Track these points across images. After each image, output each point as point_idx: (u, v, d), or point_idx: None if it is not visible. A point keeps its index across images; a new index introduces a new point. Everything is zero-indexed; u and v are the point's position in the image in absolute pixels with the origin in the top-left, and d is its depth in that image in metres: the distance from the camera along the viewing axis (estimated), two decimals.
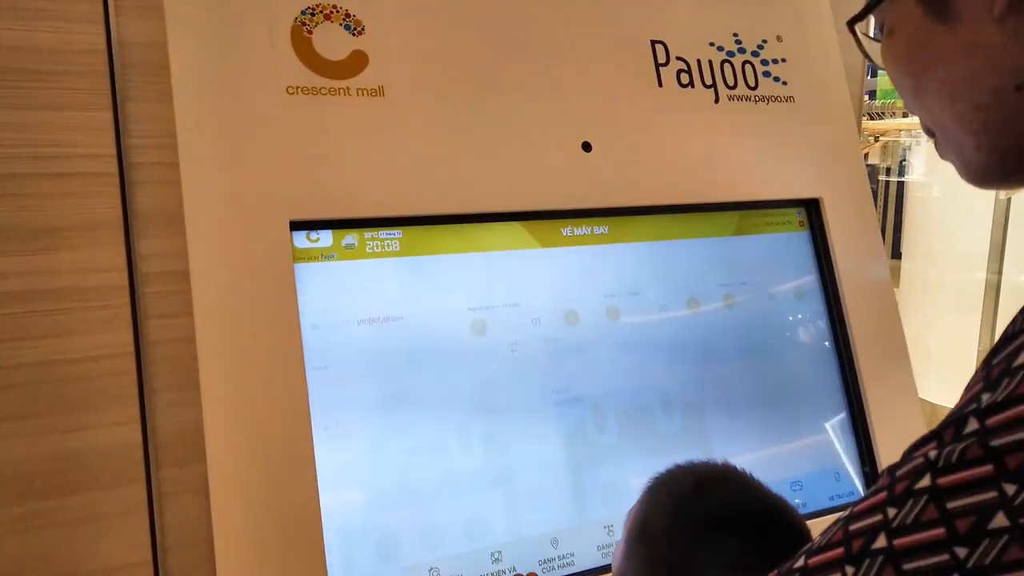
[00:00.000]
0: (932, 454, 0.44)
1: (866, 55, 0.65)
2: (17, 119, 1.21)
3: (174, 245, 1.28)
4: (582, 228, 1.19)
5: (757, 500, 0.77)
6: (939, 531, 0.43)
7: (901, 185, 6.05)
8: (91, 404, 1.32)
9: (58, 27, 1.23)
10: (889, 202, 6.43)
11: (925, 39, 0.55)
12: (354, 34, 1.08)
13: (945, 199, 4.10)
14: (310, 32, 1.06)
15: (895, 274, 6.14)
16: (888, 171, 6.42)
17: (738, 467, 0.81)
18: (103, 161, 1.29)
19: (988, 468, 0.42)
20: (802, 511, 1.22)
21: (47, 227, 1.25)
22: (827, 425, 1.27)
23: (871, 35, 0.64)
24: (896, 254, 6.18)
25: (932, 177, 5.33)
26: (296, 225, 1.02)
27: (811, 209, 1.34)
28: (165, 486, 1.38)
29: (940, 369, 3.33)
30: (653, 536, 0.75)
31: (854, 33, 0.65)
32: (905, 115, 4.30)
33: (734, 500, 0.76)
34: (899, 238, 6.16)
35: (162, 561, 1.37)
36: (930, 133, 0.61)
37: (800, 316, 1.30)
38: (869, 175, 6.40)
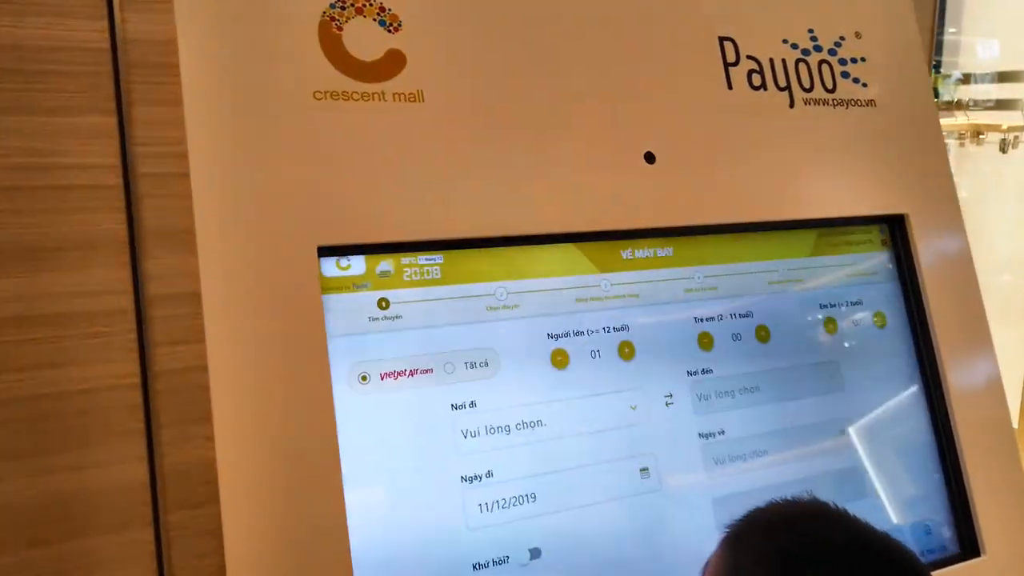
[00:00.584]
0: None
1: None
2: (7, 125, 1.09)
3: (184, 264, 1.16)
4: (644, 250, 1.05)
5: (864, 536, 0.65)
6: None
7: None
8: (92, 441, 1.20)
9: (55, 22, 1.11)
10: None
11: None
12: (390, 31, 0.94)
13: (972, 200, 3.95)
14: (340, 28, 0.92)
15: None
16: None
17: (829, 502, 0.69)
18: (105, 172, 1.17)
19: None
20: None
21: (42, 245, 1.13)
22: (918, 475, 1.13)
23: None
24: None
25: (960, 179, 5.18)
26: (324, 250, 0.88)
27: (895, 227, 1.20)
28: (174, 530, 1.26)
29: None
30: None
31: None
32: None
33: (838, 537, 0.65)
34: None
35: None
36: None
37: (883, 350, 1.16)
38: None
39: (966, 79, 3.78)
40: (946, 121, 3.63)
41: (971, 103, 3.57)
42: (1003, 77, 3.68)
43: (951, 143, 3.83)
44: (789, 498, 0.72)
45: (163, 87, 1.18)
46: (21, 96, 1.10)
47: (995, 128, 3.18)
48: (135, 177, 1.19)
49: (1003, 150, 3.18)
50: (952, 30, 3.81)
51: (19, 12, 1.09)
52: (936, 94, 4.17)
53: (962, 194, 4.06)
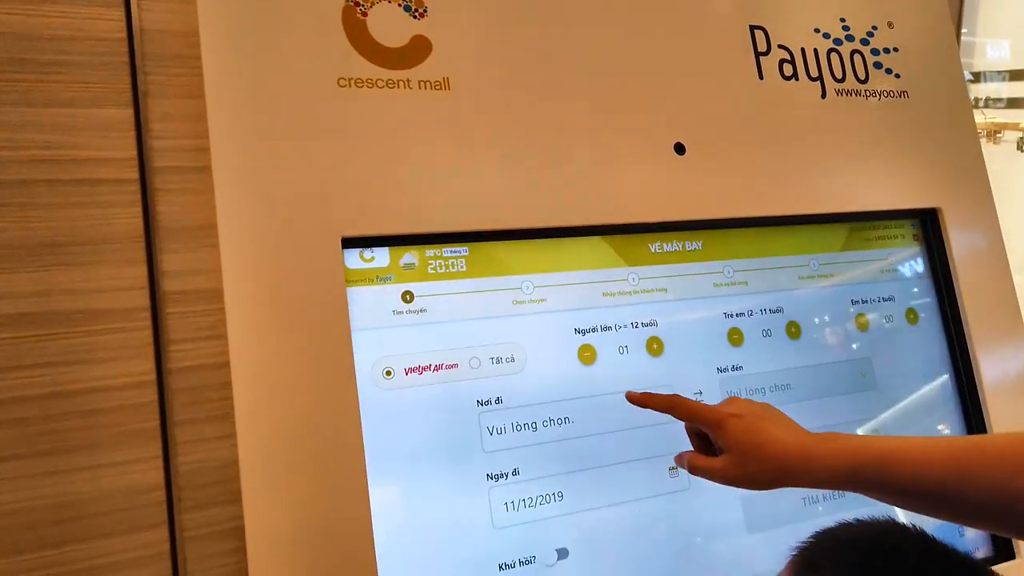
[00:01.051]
0: None
1: None
2: (22, 117, 1.07)
3: (202, 261, 1.14)
4: (673, 243, 1.02)
5: (949, 559, 0.62)
6: None
7: None
8: (106, 439, 1.17)
9: (71, 11, 1.08)
10: None
11: None
12: (415, 16, 0.92)
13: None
14: (364, 14, 0.90)
15: None
16: None
17: (908, 523, 0.66)
18: (122, 165, 1.15)
19: None
20: None
21: (56, 240, 1.11)
22: None
23: None
24: None
25: None
26: (348, 242, 0.86)
27: (927, 221, 1.17)
28: (189, 531, 1.23)
29: None
30: None
31: None
32: None
33: (925, 563, 0.61)
34: None
35: None
36: None
37: (915, 347, 1.13)
38: None
39: (976, 78, 3.76)
40: None
41: (986, 102, 3.53)
42: (1015, 76, 3.66)
43: None
44: (863, 519, 0.69)
45: (181, 79, 1.15)
46: (36, 88, 1.08)
47: (1013, 127, 3.14)
48: (151, 171, 1.17)
49: (1020, 148, 3.14)
50: (964, 30, 3.78)
51: (35, 1, 1.07)
52: None
53: None
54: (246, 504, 0.79)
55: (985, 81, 3.75)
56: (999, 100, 3.70)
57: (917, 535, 0.65)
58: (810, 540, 0.67)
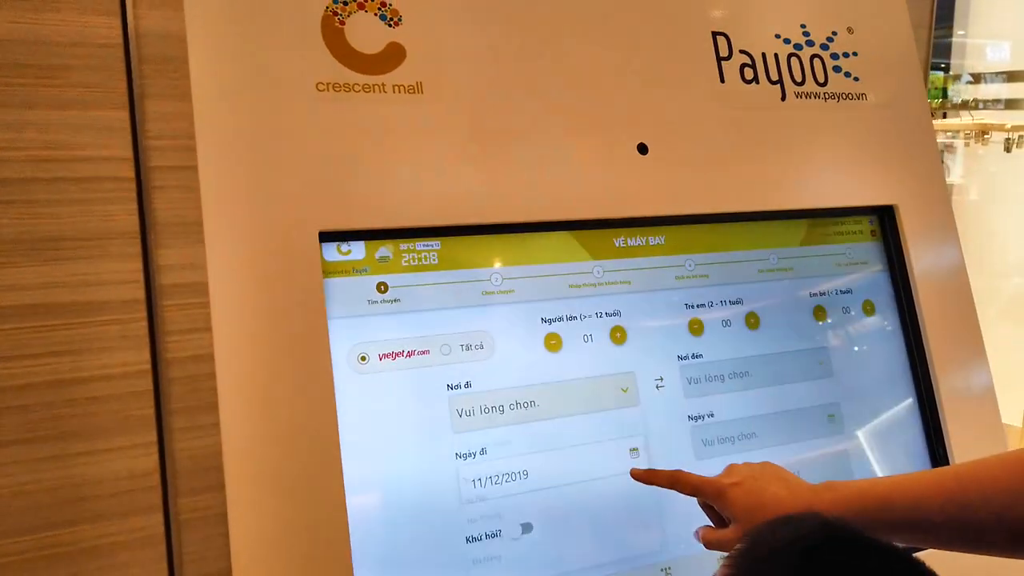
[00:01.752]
0: None
1: None
2: (25, 118, 1.13)
3: (194, 255, 1.19)
4: (636, 238, 1.08)
5: (878, 551, 0.64)
6: None
7: None
8: (105, 427, 1.23)
9: (71, 19, 1.15)
10: None
11: None
12: (391, 25, 0.98)
13: (982, 202, 3.95)
14: (342, 23, 0.96)
15: None
16: None
17: (835, 520, 0.70)
18: (119, 164, 1.21)
19: None
20: None
21: (57, 236, 1.17)
22: (905, 459, 1.16)
23: None
24: None
25: (969, 180, 5.17)
26: (326, 236, 0.92)
27: (884, 217, 1.22)
28: (184, 515, 1.30)
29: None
30: None
31: None
32: (944, 115, 4.15)
33: (864, 560, 0.63)
34: None
35: None
36: None
37: (873, 336, 1.19)
38: None
39: (976, 79, 3.79)
40: (952, 121, 3.64)
41: (976, 103, 3.58)
42: (1012, 77, 3.70)
43: (958, 143, 3.84)
44: (790, 519, 0.70)
45: (174, 82, 1.21)
46: (38, 91, 1.14)
47: (999, 128, 3.19)
48: (147, 170, 1.23)
49: (1007, 149, 3.19)
50: (960, 32, 3.83)
51: (38, 8, 1.13)
52: (944, 94, 4.18)
53: (972, 196, 4.07)
54: (229, 486, 0.85)
55: (987, 83, 3.79)
56: (998, 101, 3.75)
57: (846, 531, 0.66)
58: (741, 549, 0.68)
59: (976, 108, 3.60)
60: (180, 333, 1.23)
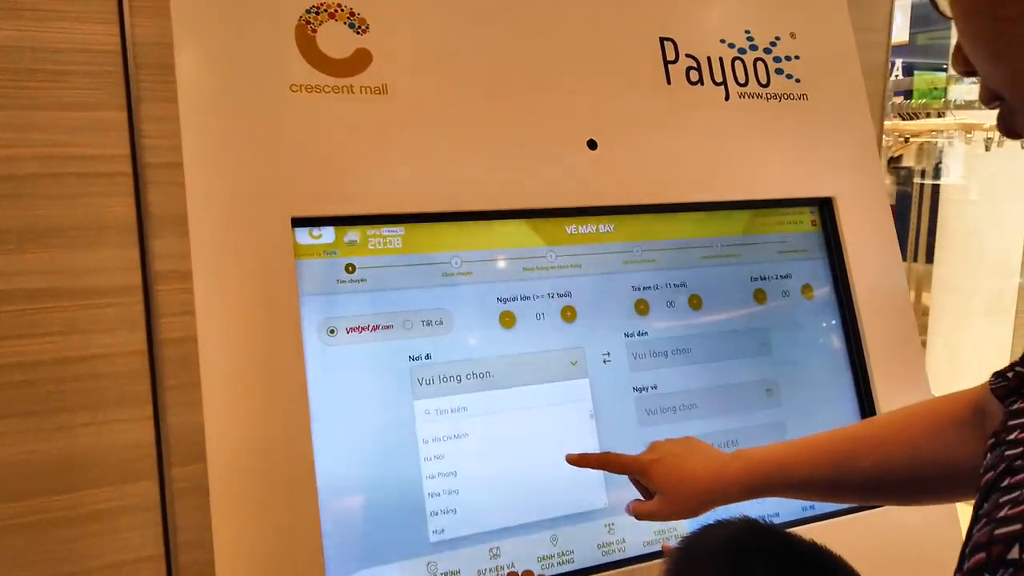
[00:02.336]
0: None
1: (935, 5, 0.58)
2: (31, 120, 1.23)
3: (185, 245, 1.29)
4: (587, 226, 1.18)
5: (802, 551, 0.74)
6: None
7: (936, 188, 5.97)
8: (105, 402, 1.34)
9: (73, 27, 1.25)
10: (923, 206, 6.35)
11: None
12: (358, 32, 1.09)
13: (982, 202, 4.03)
14: (314, 31, 1.07)
15: (927, 279, 6.05)
16: (923, 174, 6.34)
17: (757, 518, 0.80)
18: (117, 161, 1.31)
19: None
20: (811, 512, 1.20)
21: (61, 226, 1.27)
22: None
23: None
24: (930, 259, 6.09)
25: (970, 180, 5.24)
26: (298, 221, 1.03)
27: (823, 208, 1.32)
28: (178, 483, 1.40)
29: (976, 371, 3.27)
30: None
31: None
32: (941, 115, 4.23)
33: (781, 562, 0.73)
34: (933, 242, 6.07)
35: (174, 556, 1.38)
36: (995, 97, 0.53)
37: (811, 317, 1.28)
38: (905, 178, 6.30)
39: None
40: (935, 121, 3.73)
41: (958, 103, 3.66)
42: None
43: (957, 143, 3.92)
44: (723, 521, 0.80)
45: (167, 86, 1.31)
46: (43, 94, 1.24)
47: (980, 127, 3.27)
48: (143, 166, 1.33)
49: (987, 148, 3.28)
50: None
51: (42, 18, 1.24)
52: (946, 94, 4.26)
53: (972, 196, 4.13)
54: (210, 460, 0.95)
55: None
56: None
57: (772, 536, 0.76)
58: (679, 547, 0.78)
59: (956, 108, 3.69)
60: (173, 315, 1.34)
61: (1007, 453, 0.52)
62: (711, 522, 0.81)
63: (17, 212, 1.25)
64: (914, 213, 6.41)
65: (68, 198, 1.29)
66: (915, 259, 6.38)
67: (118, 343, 1.34)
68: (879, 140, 1.84)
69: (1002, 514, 0.47)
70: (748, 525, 0.79)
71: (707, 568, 0.74)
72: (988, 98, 0.53)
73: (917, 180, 6.32)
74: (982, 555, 0.46)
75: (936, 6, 0.56)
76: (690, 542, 0.79)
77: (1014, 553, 0.43)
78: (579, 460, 1.01)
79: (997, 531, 0.46)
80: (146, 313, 1.35)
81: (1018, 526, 0.45)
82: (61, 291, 1.29)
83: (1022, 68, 0.48)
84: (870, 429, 0.91)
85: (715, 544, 0.76)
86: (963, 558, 0.49)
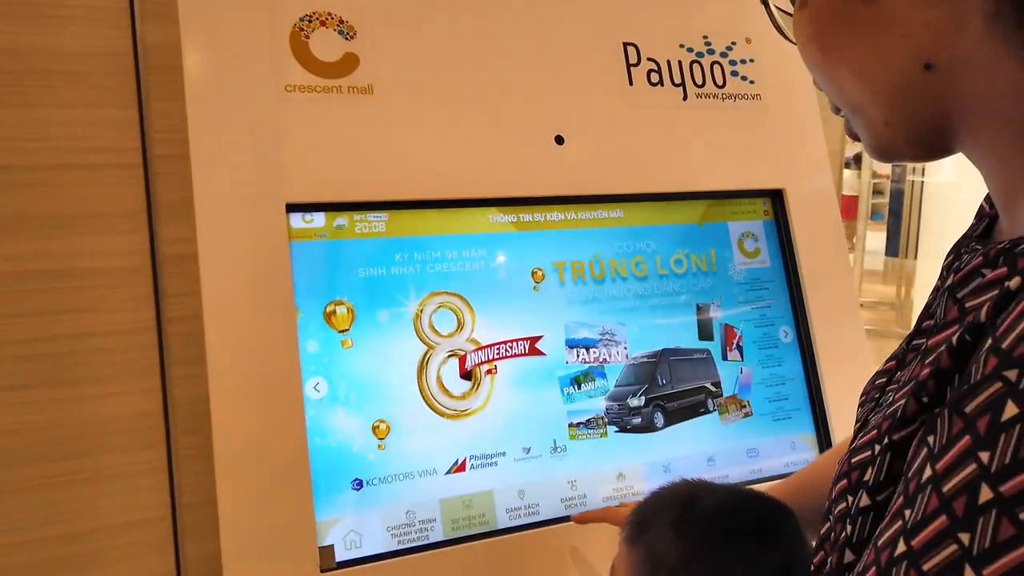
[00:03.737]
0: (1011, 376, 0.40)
1: (778, 28, 0.64)
2: (52, 116, 1.35)
3: (190, 230, 1.42)
4: (555, 214, 1.30)
5: (746, 496, 0.86)
6: None
7: (920, 186, 6.08)
8: (116, 374, 1.46)
9: (88, 32, 1.37)
10: (913, 202, 6.46)
11: (838, 11, 0.53)
12: (347, 38, 1.21)
13: (976, 200, 4.12)
14: (307, 37, 1.19)
15: (911, 274, 6.15)
16: (915, 171, 6.45)
17: (695, 479, 0.91)
18: (129, 154, 1.43)
19: None
20: (759, 476, 1.32)
21: (77, 213, 1.40)
22: (787, 402, 1.38)
23: (781, 9, 0.64)
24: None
25: (963, 178, 5.34)
26: (292, 208, 1.15)
27: (775, 199, 1.44)
28: (183, 451, 1.52)
29: None
30: (669, 568, 0.78)
31: (766, 4, 0.65)
32: None
33: (729, 502, 0.84)
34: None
35: (179, 516, 1.51)
36: (836, 110, 0.61)
37: (761, 301, 1.40)
38: (900, 176, 6.37)
39: None
40: None
41: None
42: None
43: None
44: (680, 480, 0.90)
45: (175, 86, 1.43)
46: (62, 92, 1.36)
47: None
48: (152, 159, 1.45)
49: None
50: None
51: (60, 23, 1.36)
52: None
53: (967, 195, 4.23)
54: (215, 428, 1.07)
55: None
56: None
57: (719, 488, 0.87)
58: (641, 503, 0.88)
59: None
60: (178, 296, 1.45)
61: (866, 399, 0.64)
62: (675, 480, 0.92)
63: (37, 200, 1.37)
64: (906, 210, 6.53)
65: (83, 187, 1.41)
66: (906, 255, 6.49)
67: (128, 321, 1.46)
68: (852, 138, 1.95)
69: (856, 444, 0.57)
70: (700, 481, 0.90)
71: (663, 511, 0.84)
72: (834, 110, 0.61)
73: (910, 177, 6.44)
74: (844, 482, 0.56)
75: (782, 33, 0.64)
76: (652, 494, 0.89)
77: (867, 476, 0.53)
78: (583, 518, 1.15)
79: (854, 459, 0.56)
80: (154, 293, 1.47)
81: (868, 453, 0.54)
82: (76, 272, 1.41)
83: (849, 89, 0.56)
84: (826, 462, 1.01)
85: (672, 492, 0.88)
86: (831, 488, 0.59)
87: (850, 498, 0.54)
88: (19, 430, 1.40)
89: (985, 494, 0.38)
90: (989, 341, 0.42)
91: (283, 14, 1.18)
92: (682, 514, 0.81)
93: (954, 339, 0.47)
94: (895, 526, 0.43)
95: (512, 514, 1.18)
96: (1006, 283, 0.46)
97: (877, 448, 0.53)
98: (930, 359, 0.50)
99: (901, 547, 0.42)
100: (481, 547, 1.15)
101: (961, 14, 0.48)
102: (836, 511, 0.56)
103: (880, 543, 0.44)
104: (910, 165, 6.31)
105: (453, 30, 1.27)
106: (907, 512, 0.42)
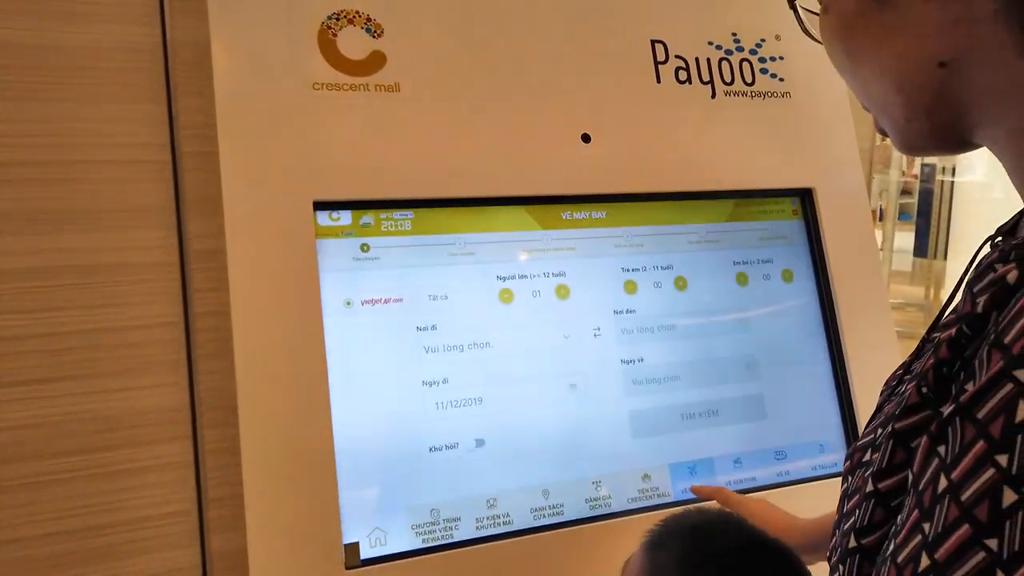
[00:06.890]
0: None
1: (806, 31, 0.69)
2: (81, 112, 1.36)
3: (217, 226, 1.42)
4: (581, 212, 1.29)
5: (755, 542, 0.85)
6: None
7: (951, 185, 6.01)
8: (142, 368, 1.47)
9: (118, 29, 1.38)
10: (943, 202, 6.38)
11: (858, 16, 0.57)
12: (374, 36, 1.21)
13: (1005, 200, 4.07)
14: (335, 35, 1.19)
15: (940, 275, 6.08)
16: (944, 171, 6.37)
17: (728, 512, 0.91)
18: (157, 150, 1.44)
19: None
20: (785, 478, 1.31)
21: (105, 207, 1.40)
22: (814, 402, 1.36)
23: (807, 9, 0.67)
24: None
25: (993, 178, 5.27)
26: (319, 205, 1.15)
27: (804, 198, 1.43)
28: (210, 444, 1.53)
29: None
30: None
31: (794, 8, 0.69)
32: None
33: (735, 545, 0.83)
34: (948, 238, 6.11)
35: (206, 510, 1.51)
36: (867, 109, 0.64)
37: (788, 300, 1.39)
38: (928, 175, 6.31)
39: None
40: None
41: None
42: None
43: None
44: (700, 509, 0.91)
45: (203, 82, 1.44)
46: (92, 88, 1.37)
47: None
48: (180, 154, 1.46)
49: None
50: None
51: (91, 20, 1.36)
52: None
53: (995, 195, 4.19)
54: (242, 421, 1.08)
55: None
56: None
57: (742, 533, 0.86)
58: (659, 524, 0.88)
59: None
60: (205, 291, 1.46)
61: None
62: (690, 507, 0.92)
63: (66, 195, 1.38)
64: (935, 210, 6.45)
65: (112, 182, 1.41)
66: (935, 256, 6.42)
67: (156, 315, 1.47)
68: (874, 136, 1.93)
69: (865, 430, 0.62)
70: (719, 513, 0.90)
71: (677, 541, 0.84)
72: (864, 108, 0.64)
73: (939, 177, 6.36)
74: (849, 462, 0.61)
75: (810, 35, 0.67)
76: (667, 520, 0.89)
77: (867, 457, 0.57)
78: (697, 491, 1.19)
79: (859, 443, 0.60)
80: (182, 288, 1.48)
81: (870, 437, 0.58)
82: (104, 267, 1.42)
83: (873, 89, 0.59)
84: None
85: (688, 521, 0.87)
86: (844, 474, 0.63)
87: (850, 478, 0.58)
88: (45, 423, 1.41)
89: (1009, 497, 0.38)
90: (991, 335, 0.43)
91: (311, 12, 1.18)
92: (693, 553, 0.82)
93: (953, 331, 0.49)
94: (915, 540, 0.44)
95: (536, 514, 1.18)
96: (1006, 277, 0.48)
97: (880, 432, 0.56)
98: (933, 350, 0.52)
99: (925, 561, 0.42)
100: (505, 547, 1.15)
101: (970, 14, 0.50)
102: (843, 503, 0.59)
103: (900, 560, 0.44)
104: (939, 164, 6.24)
105: (480, 28, 1.27)
106: (926, 526, 0.43)
